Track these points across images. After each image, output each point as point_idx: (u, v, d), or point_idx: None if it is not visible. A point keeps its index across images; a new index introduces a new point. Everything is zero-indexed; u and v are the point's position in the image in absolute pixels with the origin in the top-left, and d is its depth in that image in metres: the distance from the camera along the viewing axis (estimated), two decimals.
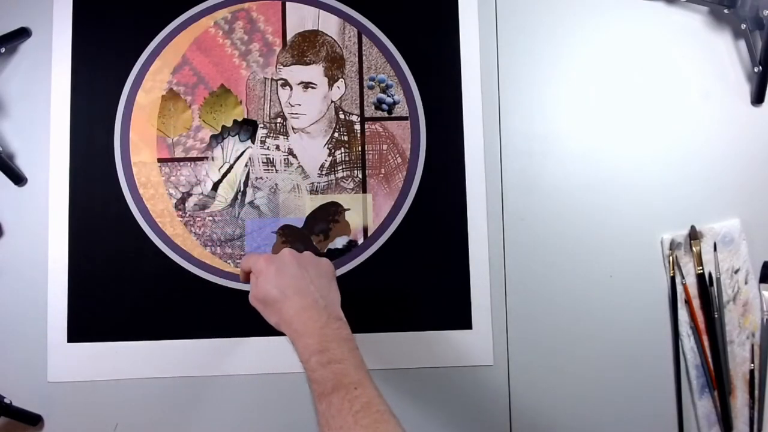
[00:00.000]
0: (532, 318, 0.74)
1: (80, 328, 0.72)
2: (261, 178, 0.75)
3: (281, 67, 0.76)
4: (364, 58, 0.76)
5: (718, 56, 0.77)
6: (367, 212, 0.74)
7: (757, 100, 0.76)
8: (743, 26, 0.75)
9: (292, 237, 0.74)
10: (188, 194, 0.74)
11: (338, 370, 0.52)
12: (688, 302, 0.74)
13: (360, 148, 0.75)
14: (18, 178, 0.73)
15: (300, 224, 0.74)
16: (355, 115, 0.76)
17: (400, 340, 0.73)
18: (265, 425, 0.72)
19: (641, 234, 0.75)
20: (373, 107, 0.76)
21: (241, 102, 0.75)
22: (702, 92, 0.77)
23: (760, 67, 0.74)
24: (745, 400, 0.73)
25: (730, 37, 0.77)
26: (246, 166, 0.75)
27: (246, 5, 0.76)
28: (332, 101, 0.76)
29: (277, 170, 0.75)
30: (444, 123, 0.75)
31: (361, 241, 0.74)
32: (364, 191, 0.75)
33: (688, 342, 0.73)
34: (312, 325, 0.55)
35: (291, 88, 0.75)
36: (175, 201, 0.74)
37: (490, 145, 0.75)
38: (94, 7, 0.76)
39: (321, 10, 0.76)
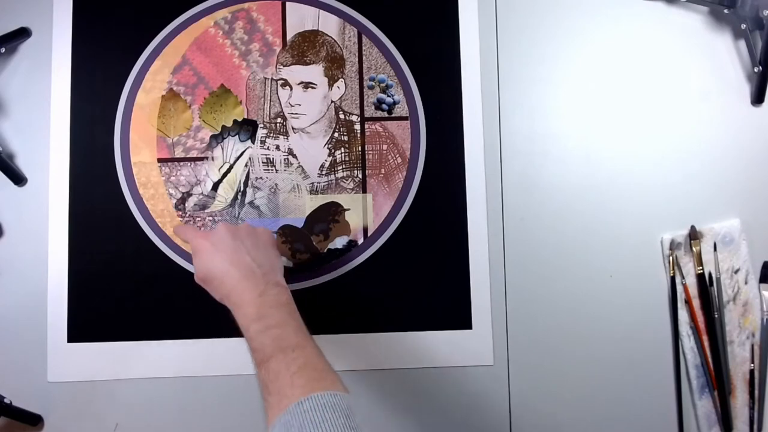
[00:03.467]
0: (532, 318, 0.74)
1: (80, 328, 0.72)
2: (261, 178, 0.75)
3: (281, 67, 0.76)
4: (364, 58, 0.76)
5: (718, 56, 0.77)
6: (367, 212, 0.75)
7: (757, 100, 0.76)
8: (743, 26, 0.75)
9: (292, 237, 0.74)
10: (188, 194, 0.74)
11: (276, 335, 0.52)
12: (688, 302, 0.74)
13: (360, 148, 0.75)
14: (18, 178, 0.73)
15: (300, 224, 0.74)
16: (355, 115, 0.76)
17: (400, 340, 0.73)
18: (264, 425, 0.72)
19: (641, 234, 0.75)
20: (373, 107, 0.76)
21: (241, 102, 0.75)
22: (702, 92, 0.77)
23: (760, 67, 0.74)
24: (745, 400, 0.73)
25: (730, 37, 0.77)
26: (246, 166, 0.75)
27: (246, 5, 0.76)
28: (332, 101, 0.76)
29: (277, 170, 0.75)
30: (444, 123, 0.75)
31: (361, 241, 0.74)
32: (364, 191, 0.75)
33: (688, 342, 0.73)
34: (249, 295, 0.55)
35: (291, 88, 0.76)
36: (175, 201, 0.74)
37: (490, 145, 0.75)
38: (94, 7, 0.76)
39: (321, 10, 0.76)
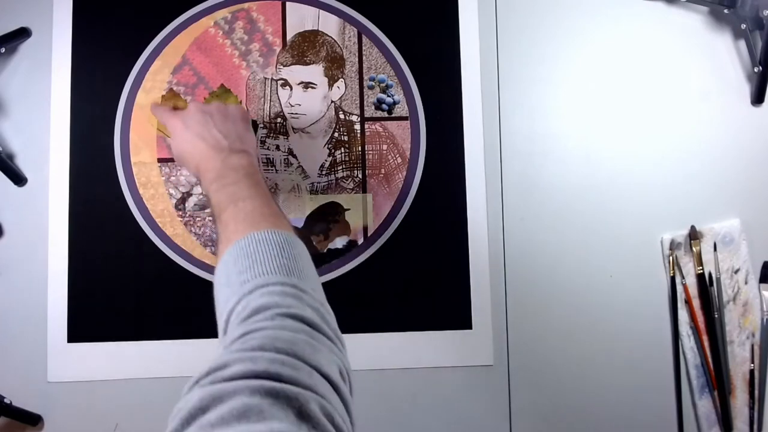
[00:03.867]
0: (532, 318, 0.74)
1: (80, 328, 0.72)
2: None
3: (281, 67, 0.76)
4: (364, 58, 0.76)
5: (718, 56, 0.77)
6: (367, 212, 0.75)
7: (757, 100, 0.76)
8: (743, 26, 0.75)
9: None
10: (188, 194, 0.74)
11: (231, 192, 0.54)
12: (688, 302, 0.74)
13: (360, 148, 0.75)
14: (18, 178, 0.73)
15: (300, 224, 0.74)
16: (355, 115, 0.76)
17: (400, 340, 0.73)
18: None
19: (641, 234, 0.75)
20: (373, 107, 0.76)
21: (241, 102, 0.75)
22: (702, 92, 0.77)
23: (760, 67, 0.74)
24: (745, 400, 0.73)
25: (730, 37, 0.77)
26: None
27: (246, 5, 0.76)
28: (332, 101, 0.76)
29: (277, 170, 0.75)
30: (444, 123, 0.75)
31: (361, 241, 0.74)
32: (364, 191, 0.75)
33: (688, 342, 0.73)
34: (213, 162, 0.58)
35: (291, 88, 0.75)
36: (175, 201, 0.74)
37: (490, 145, 0.75)
38: (94, 7, 0.75)
39: (321, 10, 0.76)
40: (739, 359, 0.73)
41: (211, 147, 0.59)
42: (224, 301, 0.46)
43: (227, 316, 0.45)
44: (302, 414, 0.34)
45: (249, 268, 0.46)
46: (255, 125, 0.75)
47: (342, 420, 0.37)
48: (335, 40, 0.76)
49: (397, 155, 0.75)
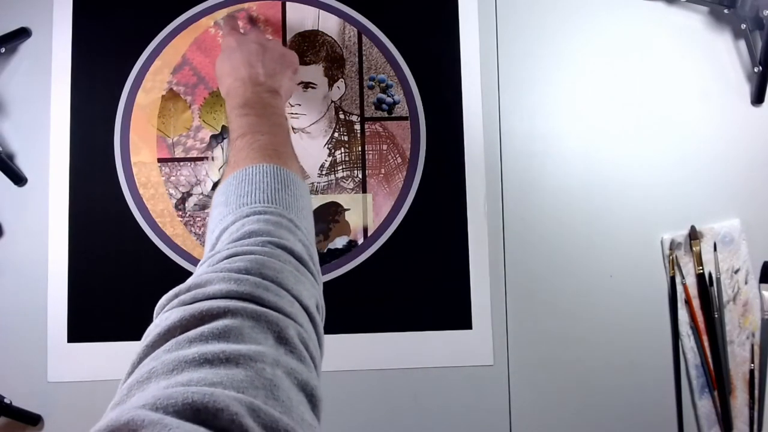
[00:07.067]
0: (532, 318, 0.74)
1: (80, 328, 0.72)
2: None
3: None
4: (364, 58, 0.76)
5: (718, 56, 0.77)
6: (367, 212, 0.74)
7: (757, 100, 0.76)
8: (743, 26, 0.75)
9: None
10: (188, 194, 0.74)
11: (255, 122, 0.56)
12: (688, 302, 0.74)
13: (360, 148, 0.75)
14: (18, 178, 0.73)
15: None
16: (355, 115, 0.76)
17: (400, 340, 0.73)
18: None
19: (641, 234, 0.75)
20: (373, 107, 0.76)
21: None
22: (702, 92, 0.77)
23: (760, 67, 0.74)
24: (745, 400, 0.73)
25: (730, 37, 0.77)
26: None
27: (246, 5, 0.76)
28: (332, 101, 0.76)
29: None
30: (444, 123, 0.75)
31: (361, 241, 0.74)
32: (364, 191, 0.75)
33: (688, 342, 0.73)
34: (245, 90, 0.60)
35: None
36: (175, 201, 0.74)
37: (490, 145, 0.75)
38: (94, 8, 0.75)
39: (321, 10, 0.76)
40: (739, 359, 0.73)
41: (249, 76, 0.61)
42: (218, 218, 0.47)
43: (219, 233, 0.45)
44: (281, 338, 0.35)
45: (250, 194, 0.47)
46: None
47: (314, 349, 0.38)
48: (335, 40, 0.76)
49: (397, 155, 0.75)
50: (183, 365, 0.31)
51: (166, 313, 0.36)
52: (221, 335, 0.33)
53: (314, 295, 0.42)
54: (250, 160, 0.50)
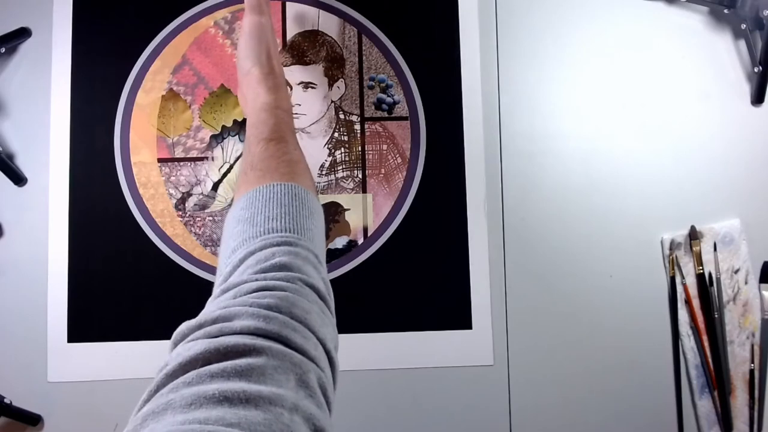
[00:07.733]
0: (532, 318, 0.74)
1: (80, 328, 0.72)
2: None
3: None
4: (364, 58, 0.76)
5: (718, 56, 0.77)
6: (367, 212, 0.75)
7: (757, 100, 0.76)
8: (743, 26, 0.75)
9: None
10: (188, 194, 0.74)
11: (283, 121, 0.55)
12: (688, 302, 0.74)
13: (360, 148, 0.75)
14: (18, 178, 0.73)
15: None
16: (355, 115, 0.76)
17: (400, 340, 0.73)
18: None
19: (641, 234, 0.75)
20: (373, 107, 0.76)
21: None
22: (702, 92, 0.77)
23: (760, 67, 0.74)
24: (745, 400, 0.73)
25: (730, 37, 0.77)
26: None
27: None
28: (332, 101, 0.76)
29: None
30: (444, 123, 0.75)
31: (361, 241, 0.74)
32: (364, 191, 0.75)
33: (688, 342, 0.73)
34: (267, 83, 0.58)
35: (291, 88, 0.75)
36: (175, 201, 0.74)
37: (490, 145, 0.75)
38: (94, 7, 0.75)
39: (321, 10, 0.76)
40: (739, 359, 0.73)
41: (268, 66, 0.59)
42: (242, 236, 0.45)
43: (244, 255, 0.44)
44: (302, 381, 0.34)
45: (279, 218, 0.46)
46: None
47: (331, 394, 0.37)
48: (335, 40, 0.76)
49: (397, 155, 0.75)
50: (202, 401, 0.30)
51: (189, 343, 0.35)
52: (243, 373, 0.32)
53: (335, 338, 0.42)
54: (280, 176, 0.49)
